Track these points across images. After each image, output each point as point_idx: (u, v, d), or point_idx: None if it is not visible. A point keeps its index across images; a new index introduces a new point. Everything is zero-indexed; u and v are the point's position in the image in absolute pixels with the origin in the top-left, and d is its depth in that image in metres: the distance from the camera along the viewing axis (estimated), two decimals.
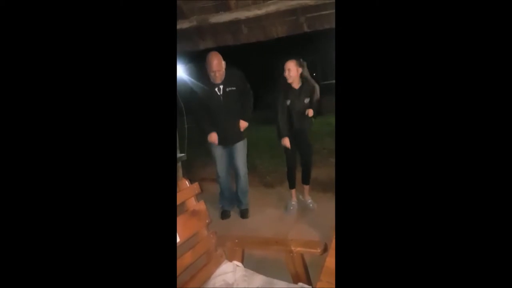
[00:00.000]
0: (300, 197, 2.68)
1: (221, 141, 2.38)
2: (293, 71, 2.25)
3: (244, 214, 2.56)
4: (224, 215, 2.57)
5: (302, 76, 2.33)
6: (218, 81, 2.24)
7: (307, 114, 2.35)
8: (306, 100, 2.35)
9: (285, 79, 2.29)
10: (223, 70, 2.22)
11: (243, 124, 2.36)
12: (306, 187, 2.62)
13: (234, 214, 2.63)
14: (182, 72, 2.97)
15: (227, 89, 2.28)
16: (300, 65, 2.29)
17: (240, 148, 2.41)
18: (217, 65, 2.15)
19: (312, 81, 2.40)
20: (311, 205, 2.60)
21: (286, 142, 2.34)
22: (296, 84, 2.32)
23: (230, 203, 2.61)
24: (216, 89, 2.27)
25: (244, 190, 2.54)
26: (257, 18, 2.35)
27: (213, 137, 2.33)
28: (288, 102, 2.33)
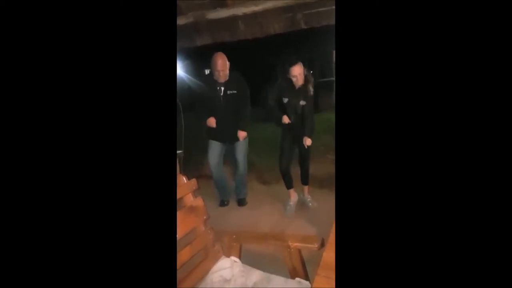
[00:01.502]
0: (301, 195, 2.63)
1: (219, 137, 2.49)
2: (301, 76, 2.22)
3: (241, 202, 2.70)
4: (222, 203, 2.73)
5: (307, 77, 2.29)
6: (222, 80, 2.37)
7: (305, 143, 2.29)
8: (302, 103, 2.30)
9: (289, 80, 2.25)
10: (227, 70, 2.35)
11: (242, 134, 2.46)
12: (306, 187, 2.59)
13: (234, 210, 2.64)
14: (179, 69, 2.97)
15: (228, 92, 2.40)
16: (304, 68, 2.26)
17: (242, 146, 2.53)
18: (222, 65, 2.31)
19: (310, 85, 2.34)
20: (310, 203, 2.58)
21: (286, 119, 2.29)
22: (299, 87, 2.28)
23: (226, 193, 2.75)
24: (218, 89, 2.39)
25: (242, 181, 2.67)
26: (254, 15, 2.34)
27: (211, 120, 2.41)
28: (286, 100, 2.31)
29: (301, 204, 2.61)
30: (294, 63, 2.20)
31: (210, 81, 2.41)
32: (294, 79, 2.23)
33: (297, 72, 2.20)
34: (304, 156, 2.46)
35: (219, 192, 2.74)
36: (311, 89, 2.30)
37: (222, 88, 2.40)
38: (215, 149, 2.54)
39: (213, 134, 2.49)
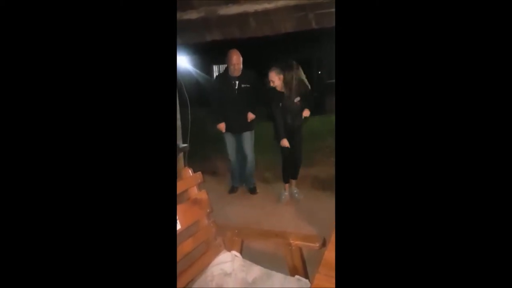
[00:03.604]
0: (291, 188, 2.84)
1: (231, 129, 2.78)
2: (276, 81, 2.49)
3: (252, 190, 2.97)
4: (232, 190, 3.01)
5: (285, 79, 2.50)
6: (236, 74, 2.67)
7: (303, 115, 2.54)
8: (297, 99, 2.51)
9: (272, 87, 2.53)
10: (241, 65, 2.66)
11: (251, 116, 2.73)
12: (293, 181, 2.82)
13: (237, 209, 2.66)
14: (188, 63, 3.04)
15: (242, 85, 2.69)
16: (280, 72, 2.49)
17: (248, 137, 2.80)
18: (236, 59, 2.64)
19: (301, 79, 2.54)
20: (296, 195, 2.79)
21: (285, 143, 2.55)
22: (281, 88, 2.53)
23: (239, 181, 3.04)
24: (233, 83, 2.68)
25: (251, 171, 2.93)
26: (266, 12, 2.34)
27: (221, 126, 2.76)
28: (280, 104, 2.53)
29: (293, 198, 2.76)
30: (269, 69, 2.51)
31: (226, 76, 2.73)
32: (270, 84, 2.52)
33: (271, 78, 2.50)
34: (297, 153, 2.69)
35: (232, 179, 3.02)
36: (305, 87, 2.51)
37: (237, 82, 2.68)
38: (230, 140, 2.84)
39: (227, 126, 2.77)
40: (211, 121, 2.77)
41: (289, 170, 2.74)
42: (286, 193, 2.80)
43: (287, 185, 2.80)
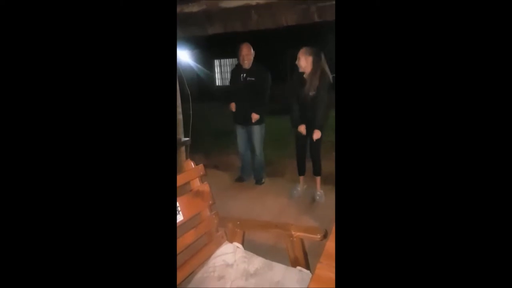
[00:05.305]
0: (312, 187, 2.70)
1: (240, 121, 2.88)
2: (302, 60, 2.36)
3: (258, 181, 3.03)
4: (239, 179, 3.10)
5: (314, 66, 2.34)
6: (247, 66, 2.75)
7: (313, 136, 2.41)
8: (312, 93, 2.36)
9: (297, 68, 2.39)
10: (251, 56, 2.74)
11: (254, 116, 2.77)
12: (318, 179, 2.61)
13: (240, 206, 2.67)
14: (189, 57, 3.05)
15: (248, 79, 2.76)
16: (310, 54, 2.33)
17: (257, 131, 2.85)
18: (246, 51, 2.74)
19: (324, 70, 2.38)
20: (318, 197, 2.59)
21: (302, 129, 2.45)
22: (307, 75, 2.38)
23: (248, 173, 3.10)
24: (241, 76, 2.78)
25: (260, 164, 2.99)
26: (268, 5, 2.32)
27: (232, 105, 2.86)
28: (300, 91, 2.41)
29: (311, 197, 2.65)
30: (300, 47, 2.39)
31: (238, 67, 2.85)
32: (297, 61, 2.37)
33: (299, 55, 2.35)
34: (314, 148, 2.54)
35: (242, 171, 3.10)
36: (318, 78, 2.34)
37: (244, 75, 2.77)
38: (240, 132, 2.93)
39: (236, 118, 2.89)
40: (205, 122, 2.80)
41: (305, 163, 2.62)
42: (299, 188, 2.66)
43: (301, 177, 2.66)
